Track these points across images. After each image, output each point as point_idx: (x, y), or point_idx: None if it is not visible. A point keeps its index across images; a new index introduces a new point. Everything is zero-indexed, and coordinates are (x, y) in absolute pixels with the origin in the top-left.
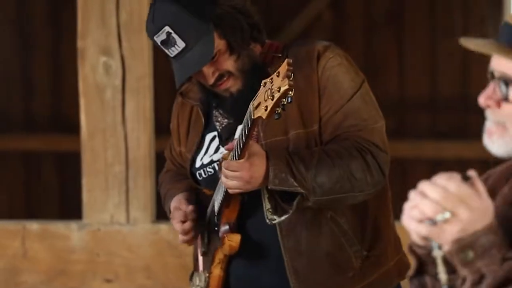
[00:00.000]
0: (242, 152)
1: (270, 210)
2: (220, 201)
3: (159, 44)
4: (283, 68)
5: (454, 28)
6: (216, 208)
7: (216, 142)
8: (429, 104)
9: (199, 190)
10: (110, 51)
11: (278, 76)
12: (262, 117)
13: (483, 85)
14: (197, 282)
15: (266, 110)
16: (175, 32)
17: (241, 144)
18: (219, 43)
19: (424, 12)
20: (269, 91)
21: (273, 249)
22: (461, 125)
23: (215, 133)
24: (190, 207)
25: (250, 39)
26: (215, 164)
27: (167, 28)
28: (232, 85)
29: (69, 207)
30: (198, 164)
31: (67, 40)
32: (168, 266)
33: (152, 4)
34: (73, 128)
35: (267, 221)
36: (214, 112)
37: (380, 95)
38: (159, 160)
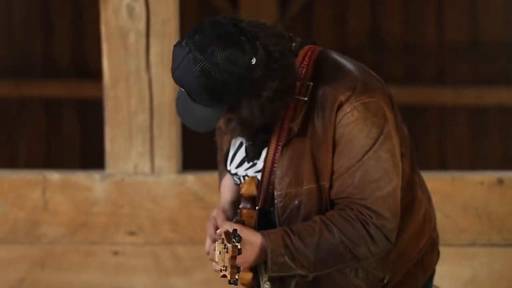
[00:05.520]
0: None
1: (267, 283)
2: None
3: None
4: (230, 253)
5: None
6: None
7: (242, 152)
8: (470, 48)
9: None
10: None
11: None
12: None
13: None
14: None
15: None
16: (190, 98)
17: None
18: (228, 114)
19: None
20: (224, 253)
21: None
22: (504, 71)
23: (243, 140)
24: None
25: (268, 116)
26: (241, 178)
27: (182, 90)
28: None
29: (91, 156)
30: (228, 167)
31: None
32: (194, 219)
33: (175, 46)
34: (95, 74)
35: None
36: None
37: (418, 40)
38: None
